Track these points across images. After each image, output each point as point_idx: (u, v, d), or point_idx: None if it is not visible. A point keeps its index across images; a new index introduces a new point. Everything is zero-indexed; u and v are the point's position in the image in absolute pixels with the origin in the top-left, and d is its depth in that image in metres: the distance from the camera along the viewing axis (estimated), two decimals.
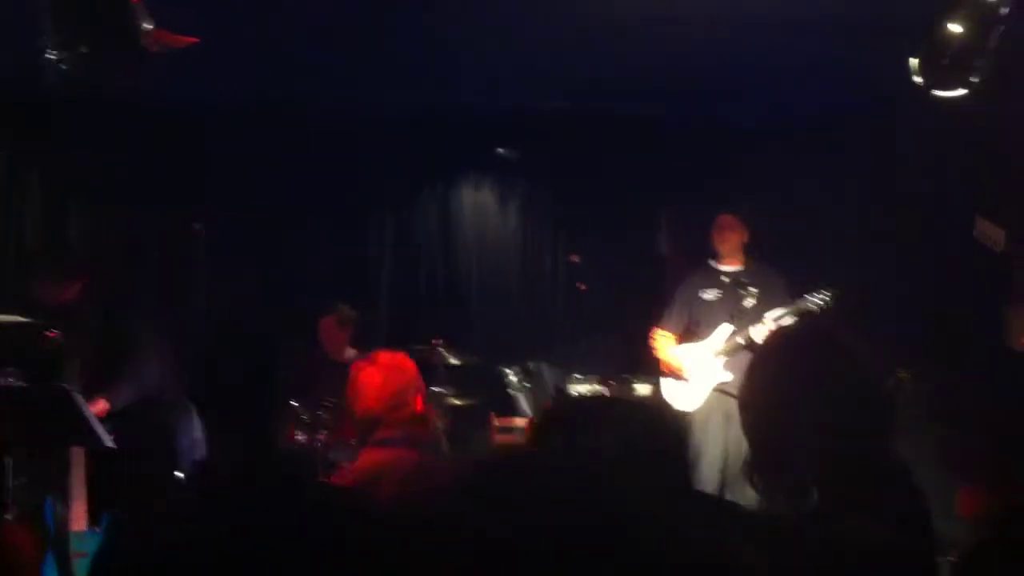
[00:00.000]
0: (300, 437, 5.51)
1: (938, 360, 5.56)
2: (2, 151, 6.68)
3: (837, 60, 5.53)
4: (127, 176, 6.46)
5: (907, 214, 5.97)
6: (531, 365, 7.46)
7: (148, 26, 3.90)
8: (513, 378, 7.26)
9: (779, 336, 2.73)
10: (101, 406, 4.71)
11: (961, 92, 4.36)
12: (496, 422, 6.32)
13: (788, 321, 5.46)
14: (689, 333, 5.90)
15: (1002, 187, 5.24)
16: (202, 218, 5.21)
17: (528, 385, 7.31)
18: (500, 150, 7.71)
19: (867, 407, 1.97)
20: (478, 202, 7.86)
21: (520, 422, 6.62)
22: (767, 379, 2.11)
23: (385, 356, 3.44)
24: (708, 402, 5.70)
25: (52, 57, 3.68)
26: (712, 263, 5.97)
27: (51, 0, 3.73)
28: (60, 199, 6.78)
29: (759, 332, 5.49)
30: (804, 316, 5.48)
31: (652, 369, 6.02)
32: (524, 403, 7.22)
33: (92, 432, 4.37)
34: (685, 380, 5.76)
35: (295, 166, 7.02)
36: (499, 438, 6.30)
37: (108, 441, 4.67)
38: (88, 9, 3.83)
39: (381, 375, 3.32)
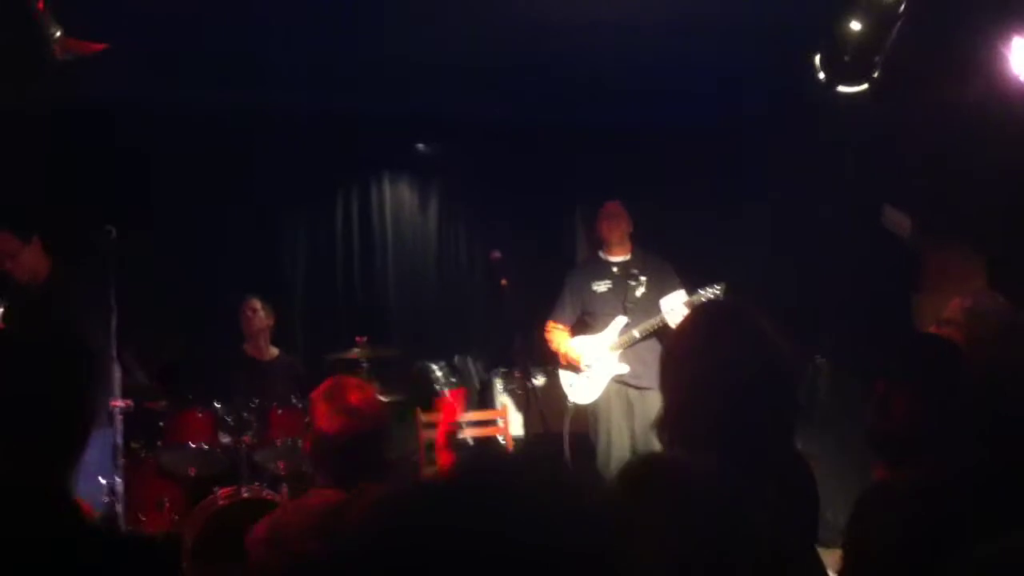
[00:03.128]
0: (224, 439, 5.43)
1: (852, 346, 5.72)
2: None
3: (742, 60, 5.67)
4: (38, 178, 6.31)
5: (821, 206, 6.10)
6: (456, 360, 7.50)
7: (57, 33, 3.85)
8: (439, 373, 7.27)
9: (700, 308, 2.81)
10: None
11: (863, 87, 4.50)
12: (422, 417, 6.33)
13: (684, 311, 5.55)
14: (582, 324, 5.97)
15: (906, 179, 5.40)
16: (114, 219, 5.13)
17: (454, 380, 7.34)
18: (418, 146, 7.73)
19: (771, 379, 2.07)
20: (395, 199, 7.86)
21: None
22: (684, 343, 2.21)
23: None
24: (608, 392, 5.78)
25: None
26: (601, 254, 6.03)
27: None
28: None
29: (671, 318, 5.57)
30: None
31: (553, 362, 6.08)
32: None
33: None
34: (583, 373, 5.82)
35: (208, 165, 6.89)
36: (425, 433, 6.31)
37: None
38: None
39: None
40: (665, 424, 2.18)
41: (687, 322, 2.37)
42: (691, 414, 2.09)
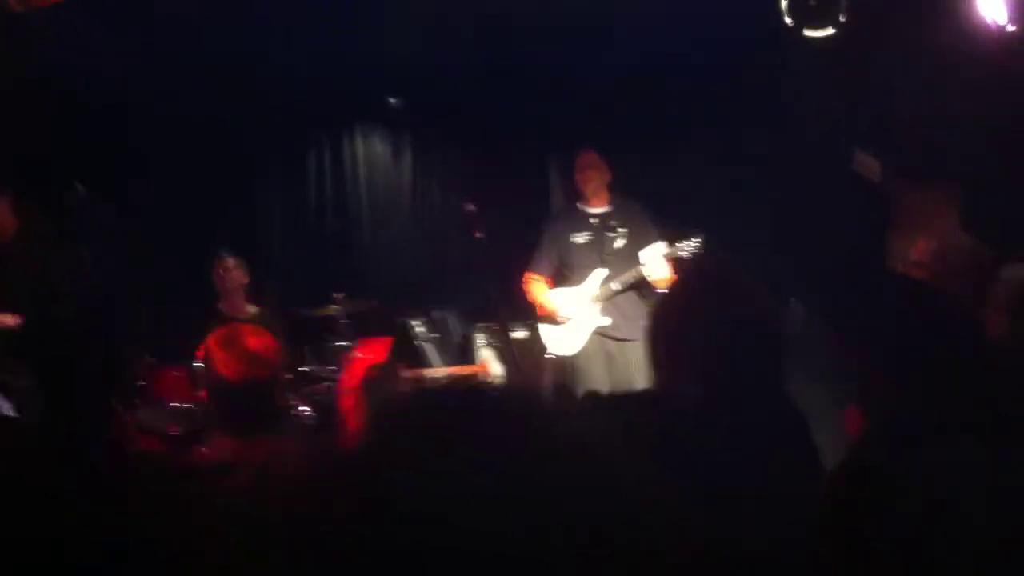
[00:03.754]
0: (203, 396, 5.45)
1: (827, 286, 5.76)
2: None
3: (709, 3, 5.63)
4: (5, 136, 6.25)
5: (793, 150, 6.11)
6: (436, 315, 7.50)
7: None
8: (419, 329, 7.28)
9: (685, 277, 2.84)
10: (8, 320, 4.66)
11: (830, 31, 4.48)
12: (403, 373, 6.34)
13: (671, 258, 5.58)
14: (560, 276, 5.94)
15: (875, 122, 5.41)
16: (83, 177, 5.10)
17: (435, 335, 7.36)
18: (391, 100, 7.67)
19: (756, 341, 2.11)
20: (368, 153, 7.83)
21: (429, 372, 6.67)
22: (671, 313, 2.24)
23: None
24: (589, 345, 5.77)
25: None
26: (579, 205, 5.96)
27: None
28: None
29: (649, 271, 5.58)
30: (676, 262, 5.61)
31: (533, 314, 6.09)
32: (432, 353, 7.27)
33: None
34: (563, 325, 5.83)
35: (179, 118, 6.85)
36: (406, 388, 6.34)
37: (7, 410, 4.61)
38: None
39: None
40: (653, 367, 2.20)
41: (673, 292, 2.39)
42: (681, 382, 2.13)
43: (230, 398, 2.87)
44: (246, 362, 2.83)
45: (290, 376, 5.51)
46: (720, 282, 2.23)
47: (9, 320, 4.58)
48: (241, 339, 2.88)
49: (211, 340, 2.95)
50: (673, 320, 2.22)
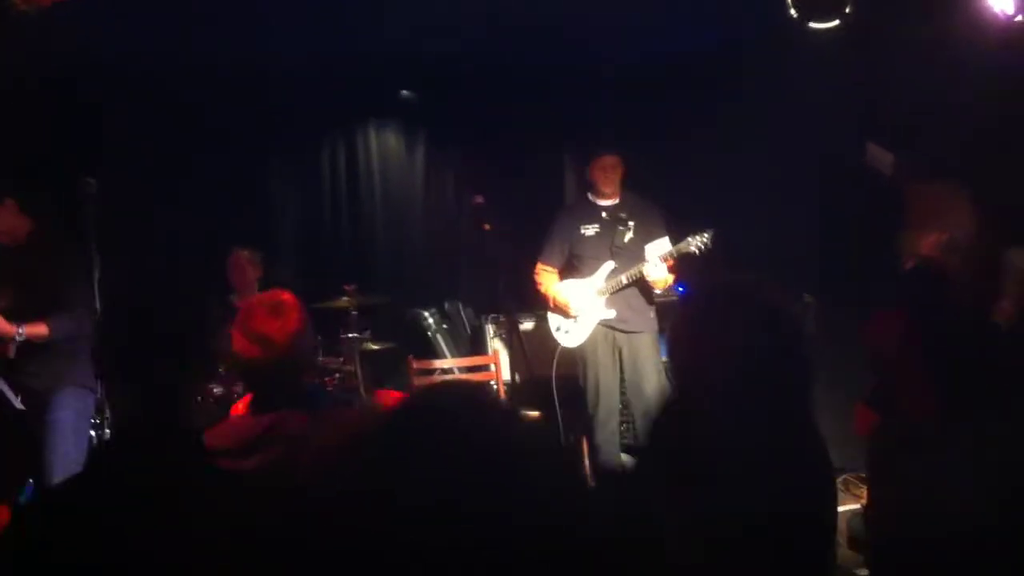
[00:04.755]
0: (216, 390, 5.48)
1: (837, 282, 5.75)
2: None
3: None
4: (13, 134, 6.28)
5: (802, 145, 6.09)
6: (447, 306, 7.53)
7: None
8: (430, 320, 7.31)
9: (705, 292, 2.78)
10: (40, 330, 4.67)
11: (835, 23, 4.45)
12: (415, 364, 6.36)
13: (670, 259, 5.59)
14: (570, 267, 5.97)
15: (888, 117, 5.38)
16: (96, 172, 5.12)
17: (446, 326, 7.38)
18: (404, 93, 7.68)
19: (785, 362, 2.05)
20: (382, 147, 7.84)
21: (439, 363, 6.69)
22: (692, 330, 2.19)
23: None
24: (595, 336, 5.80)
25: None
26: (591, 197, 5.98)
27: None
28: None
29: (648, 269, 5.60)
30: (685, 256, 5.61)
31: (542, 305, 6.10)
32: (443, 344, 7.29)
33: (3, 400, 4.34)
34: (572, 318, 5.84)
35: (194, 116, 6.89)
36: (417, 380, 6.36)
37: (17, 404, 4.65)
38: None
39: None
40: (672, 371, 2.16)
41: (694, 306, 2.33)
42: (703, 397, 2.08)
43: (243, 374, 2.86)
44: (258, 343, 2.80)
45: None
46: (743, 298, 2.16)
47: (8, 328, 4.61)
48: (255, 319, 2.84)
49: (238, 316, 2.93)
50: (691, 334, 2.18)
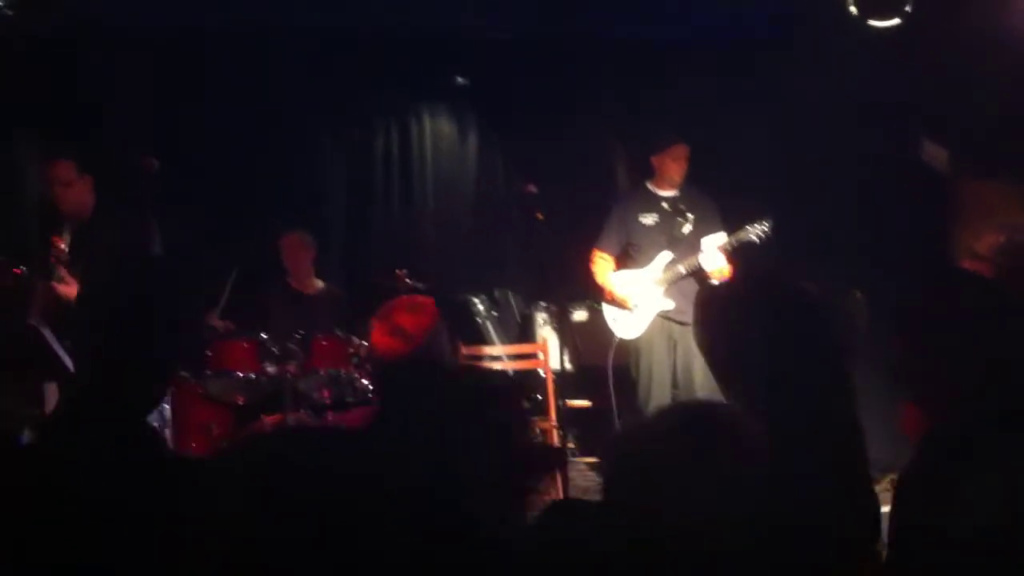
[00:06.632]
0: (270, 369, 5.55)
1: (887, 278, 5.72)
2: None
3: None
4: (74, 109, 6.39)
5: (854, 138, 6.04)
6: (497, 293, 7.56)
7: None
8: (480, 306, 7.34)
9: (736, 281, 2.77)
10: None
11: (895, 21, 4.42)
12: (464, 350, 6.41)
13: (728, 249, 5.60)
14: (626, 256, 5.98)
15: (945, 111, 5.34)
16: (155, 150, 5.22)
17: (495, 313, 7.41)
18: (457, 79, 7.71)
19: (819, 357, 2.03)
20: (435, 132, 7.88)
21: (488, 350, 6.73)
22: (721, 319, 2.17)
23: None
24: (651, 328, 5.81)
25: None
26: (650, 186, 5.98)
27: None
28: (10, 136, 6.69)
29: (704, 260, 5.60)
30: (743, 246, 5.60)
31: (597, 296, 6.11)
32: (491, 331, 7.33)
33: (63, 366, 4.43)
34: (628, 309, 5.85)
35: (249, 95, 6.97)
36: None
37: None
38: None
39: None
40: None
41: (723, 296, 2.34)
42: (736, 387, 2.07)
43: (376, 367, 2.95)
44: (393, 335, 2.92)
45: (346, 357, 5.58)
46: (769, 291, 2.15)
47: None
48: (393, 313, 2.98)
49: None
50: (715, 322, 2.16)
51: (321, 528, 0.84)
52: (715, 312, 2.20)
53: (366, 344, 5.83)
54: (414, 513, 0.83)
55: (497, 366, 6.53)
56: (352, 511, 0.84)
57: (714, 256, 5.59)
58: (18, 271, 4.69)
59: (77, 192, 5.05)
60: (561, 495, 5.05)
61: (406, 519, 0.82)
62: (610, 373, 5.88)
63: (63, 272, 4.83)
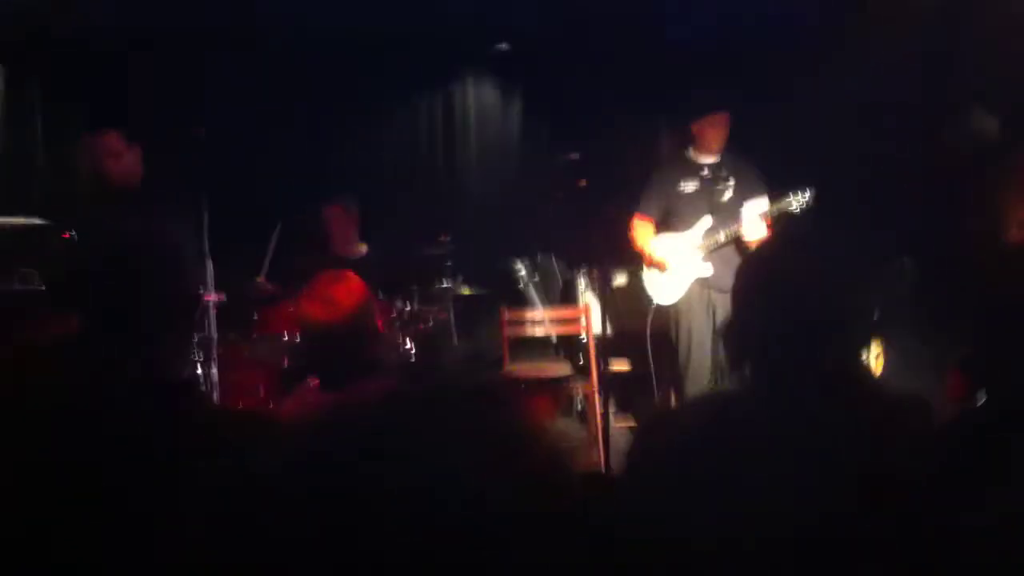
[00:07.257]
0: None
1: (934, 247, 5.67)
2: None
3: None
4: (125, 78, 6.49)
5: (902, 109, 5.98)
6: (540, 258, 7.61)
7: None
8: (523, 271, 7.40)
9: (773, 240, 2.77)
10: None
11: None
12: (507, 315, 6.48)
13: (769, 217, 5.57)
14: (664, 224, 5.97)
15: (995, 80, 5.26)
16: (202, 121, 5.29)
17: (537, 278, 7.47)
18: (501, 46, 7.71)
19: (837, 316, 2.05)
20: (479, 98, 7.89)
21: (531, 314, 6.78)
22: (755, 274, 2.21)
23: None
24: (690, 293, 5.81)
25: None
26: (690, 154, 5.97)
27: None
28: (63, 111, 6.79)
29: (745, 228, 5.58)
30: (783, 213, 5.58)
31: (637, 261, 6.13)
32: (534, 296, 7.39)
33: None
34: (665, 271, 5.87)
35: (294, 63, 7.04)
36: (509, 330, 6.47)
37: None
38: None
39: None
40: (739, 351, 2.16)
41: (757, 252, 2.40)
42: (751, 349, 2.10)
43: (309, 339, 3.06)
44: (326, 307, 3.02)
45: (388, 320, 5.65)
46: (800, 250, 2.18)
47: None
48: (323, 284, 3.08)
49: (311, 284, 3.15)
50: (742, 285, 2.19)
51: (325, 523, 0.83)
52: (742, 280, 2.22)
53: (409, 308, 5.91)
54: (414, 513, 0.83)
55: (539, 330, 6.58)
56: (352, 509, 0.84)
57: (755, 224, 5.56)
58: (66, 235, 4.78)
59: (127, 163, 5.11)
60: (603, 458, 5.11)
61: (406, 519, 0.83)
62: (648, 338, 5.91)
63: None
